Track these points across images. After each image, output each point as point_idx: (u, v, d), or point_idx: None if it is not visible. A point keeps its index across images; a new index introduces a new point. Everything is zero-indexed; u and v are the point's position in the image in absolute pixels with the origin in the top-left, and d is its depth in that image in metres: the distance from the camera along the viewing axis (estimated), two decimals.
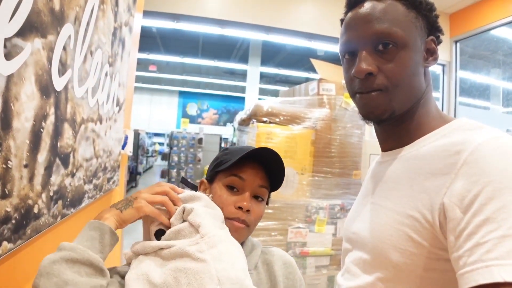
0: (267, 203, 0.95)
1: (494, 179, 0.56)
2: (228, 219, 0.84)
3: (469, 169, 0.60)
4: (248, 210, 0.85)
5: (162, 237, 0.79)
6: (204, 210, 0.80)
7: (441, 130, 0.74)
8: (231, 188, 0.88)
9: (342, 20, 0.84)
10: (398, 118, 0.77)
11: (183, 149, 8.38)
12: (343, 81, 2.90)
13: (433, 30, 0.79)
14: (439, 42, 0.80)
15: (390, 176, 0.79)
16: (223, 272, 0.69)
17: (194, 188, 1.02)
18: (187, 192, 0.86)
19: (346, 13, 0.82)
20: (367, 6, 0.76)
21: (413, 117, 0.78)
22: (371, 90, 0.74)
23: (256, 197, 0.89)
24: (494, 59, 5.52)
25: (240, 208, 0.85)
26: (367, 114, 0.78)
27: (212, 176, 0.93)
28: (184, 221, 0.80)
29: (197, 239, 0.74)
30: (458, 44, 4.79)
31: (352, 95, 0.81)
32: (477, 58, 5.52)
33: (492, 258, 0.50)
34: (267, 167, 0.91)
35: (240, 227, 0.84)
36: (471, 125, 0.70)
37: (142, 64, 13.14)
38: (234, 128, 3.58)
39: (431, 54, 0.78)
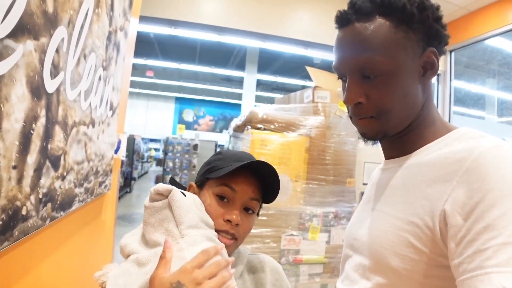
0: (257, 214, 0.91)
1: (495, 187, 0.56)
2: (216, 231, 0.80)
3: (471, 176, 0.60)
4: (237, 224, 0.82)
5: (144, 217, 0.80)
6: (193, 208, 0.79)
7: (444, 139, 0.74)
8: (221, 198, 0.84)
9: None
10: (398, 133, 0.78)
11: (178, 155, 8.37)
12: (338, 89, 2.93)
13: (431, 40, 0.74)
14: (440, 50, 0.76)
15: (393, 183, 0.79)
16: None
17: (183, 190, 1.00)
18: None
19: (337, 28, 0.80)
20: (353, 29, 0.73)
21: (414, 130, 0.78)
22: (362, 116, 0.76)
23: (246, 209, 0.85)
24: (489, 69, 5.56)
25: (229, 221, 0.81)
26: (362, 136, 0.81)
27: (202, 182, 0.90)
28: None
29: (177, 238, 0.73)
30: (453, 53, 4.83)
31: (349, 117, 0.82)
32: (472, 68, 5.56)
33: (492, 265, 0.51)
34: (261, 178, 0.87)
35: (227, 243, 0.81)
36: (473, 134, 0.70)
37: (139, 70, 13.14)
38: (230, 135, 3.58)
39: (430, 66, 0.75)
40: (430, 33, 0.74)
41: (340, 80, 0.83)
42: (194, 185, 0.92)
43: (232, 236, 0.82)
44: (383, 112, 0.73)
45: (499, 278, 0.49)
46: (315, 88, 2.91)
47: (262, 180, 0.87)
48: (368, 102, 0.73)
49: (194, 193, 0.89)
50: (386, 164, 0.86)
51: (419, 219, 0.66)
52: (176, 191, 0.79)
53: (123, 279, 0.72)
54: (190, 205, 0.79)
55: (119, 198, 8.37)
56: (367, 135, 0.79)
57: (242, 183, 0.84)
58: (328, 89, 2.92)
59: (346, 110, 2.90)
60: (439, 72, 4.81)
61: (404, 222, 0.68)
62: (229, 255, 0.83)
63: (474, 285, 0.52)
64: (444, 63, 4.81)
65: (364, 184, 3.16)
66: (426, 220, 0.64)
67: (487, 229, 0.54)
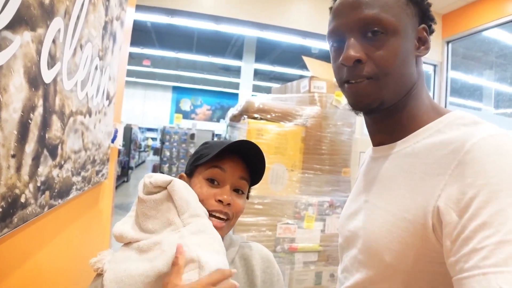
0: (247, 198, 0.95)
1: (491, 181, 0.54)
2: (209, 212, 0.84)
3: (464, 170, 0.58)
4: (228, 204, 0.85)
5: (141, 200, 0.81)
6: (189, 193, 0.82)
7: (435, 124, 0.71)
8: (211, 181, 0.88)
9: (331, 9, 0.80)
10: (388, 110, 0.75)
11: (175, 144, 8.37)
12: (335, 79, 2.93)
13: (425, 18, 0.76)
14: (431, 31, 0.77)
15: (384, 175, 0.77)
16: (205, 258, 0.70)
17: None
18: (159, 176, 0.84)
19: (334, 0, 0.79)
20: None
21: (404, 109, 0.75)
22: (360, 78, 0.71)
23: (236, 190, 0.90)
24: (486, 60, 5.57)
25: (220, 201, 0.85)
26: (356, 104, 0.75)
27: (191, 170, 0.93)
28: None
29: (179, 227, 0.76)
30: (450, 44, 4.84)
31: (341, 85, 0.78)
32: (469, 59, 5.57)
33: (489, 265, 0.49)
34: (247, 160, 0.92)
35: (221, 226, 0.85)
36: (466, 119, 0.67)
37: (136, 59, 13.06)
38: (227, 124, 3.59)
39: (422, 43, 0.76)
40: (424, 11, 0.76)
41: (332, 55, 0.78)
42: (184, 175, 0.96)
43: (225, 216, 0.86)
44: (382, 74, 0.70)
45: (496, 279, 0.48)
46: (311, 78, 2.92)
47: (249, 162, 0.92)
48: (368, 61, 0.70)
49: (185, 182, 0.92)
50: (375, 152, 0.83)
51: (411, 214, 0.64)
52: (176, 181, 0.81)
53: (125, 265, 0.74)
54: (190, 194, 0.82)
55: (117, 187, 8.39)
56: (363, 102, 0.73)
57: (230, 163, 0.89)
58: (324, 79, 2.93)
59: (342, 100, 2.89)
60: (436, 63, 4.84)
61: (396, 218, 0.67)
62: (223, 237, 0.87)
63: (471, 285, 0.50)
64: (441, 54, 4.82)
65: None
66: (418, 216, 0.63)
67: (483, 226, 0.52)
